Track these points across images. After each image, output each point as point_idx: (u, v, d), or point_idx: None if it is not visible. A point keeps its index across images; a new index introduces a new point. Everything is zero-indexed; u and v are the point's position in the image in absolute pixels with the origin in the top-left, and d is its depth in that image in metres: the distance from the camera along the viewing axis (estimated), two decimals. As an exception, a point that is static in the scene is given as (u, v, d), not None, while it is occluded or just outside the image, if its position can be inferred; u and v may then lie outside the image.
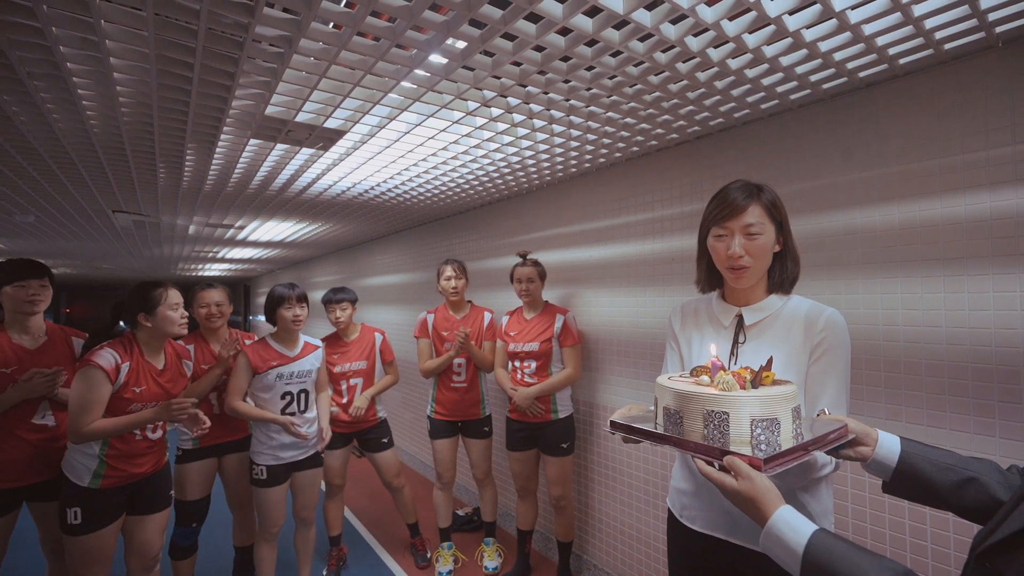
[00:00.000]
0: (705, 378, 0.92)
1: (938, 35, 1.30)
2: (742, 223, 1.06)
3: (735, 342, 1.13)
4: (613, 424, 0.98)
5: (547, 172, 2.65)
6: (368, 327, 2.87)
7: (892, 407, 1.55)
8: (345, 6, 1.17)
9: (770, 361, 0.92)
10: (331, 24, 1.26)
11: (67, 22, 1.18)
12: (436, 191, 3.07)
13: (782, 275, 1.13)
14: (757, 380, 0.87)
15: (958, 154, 1.43)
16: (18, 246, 5.40)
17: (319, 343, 2.53)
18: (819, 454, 0.96)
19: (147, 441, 1.90)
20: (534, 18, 1.24)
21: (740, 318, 1.14)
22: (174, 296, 1.92)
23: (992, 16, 1.22)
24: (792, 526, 0.71)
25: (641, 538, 2.41)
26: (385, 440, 2.82)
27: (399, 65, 1.44)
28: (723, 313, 1.17)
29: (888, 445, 0.88)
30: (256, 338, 2.61)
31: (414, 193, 3.12)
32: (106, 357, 1.76)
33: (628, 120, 1.89)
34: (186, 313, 1.95)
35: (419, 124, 1.91)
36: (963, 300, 1.41)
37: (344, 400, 2.72)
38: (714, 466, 0.80)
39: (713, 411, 0.82)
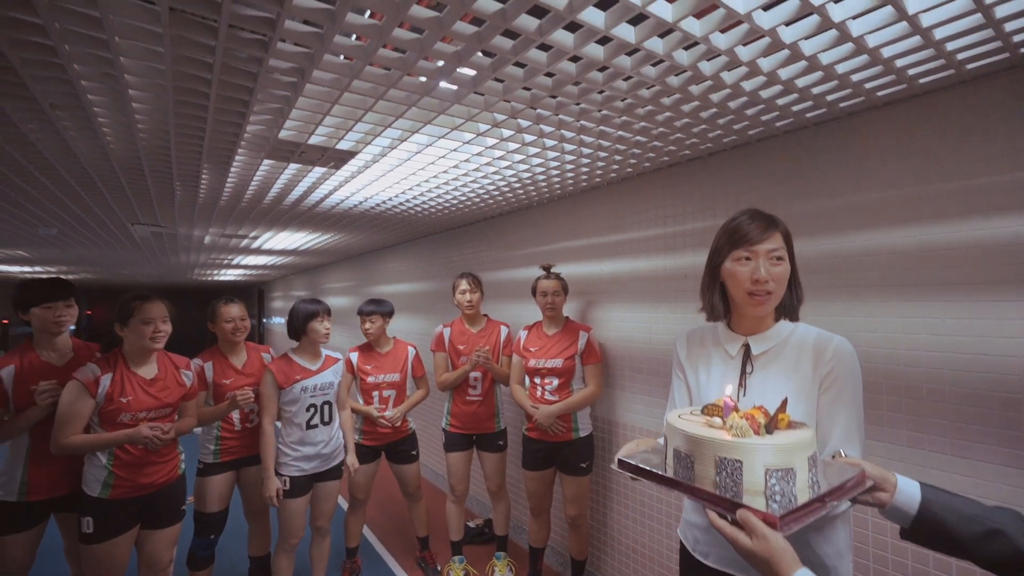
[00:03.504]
0: (717, 420, 0.90)
1: (960, 56, 1.27)
2: (767, 247, 1.05)
3: (743, 372, 1.11)
4: (621, 463, 0.97)
5: (558, 186, 2.64)
6: (401, 341, 2.90)
7: (914, 434, 1.51)
8: (356, 39, 1.18)
9: (784, 402, 0.90)
10: (342, 56, 1.27)
11: (88, 59, 1.21)
12: (447, 204, 3.08)
13: (791, 303, 1.12)
14: (772, 424, 0.85)
15: (982, 176, 1.39)
16: (42, 255, 5.54)
17: (339, 355, 2.56)
18: None
19: (148, 450, 1.92)
20: (545, 46, 1.24)
21: (747, 348, 1.12)
22: (149, 311, 1.89)
23: (1017, 38, 1.18)
24: None
25: (655, 558, 2.38)
26: (413, 452, 2.86)
27: (409, 92, 1.45)
28: (729, 342, 1.15)
29: (908, 491, 0.85)
30: (272, 350, 2.65)
31: (425, 206, 3.13)
32: (84, 371, 1.82)
33: (639, 138, 1.88)
34: (161, 329, 1.92)
35: (429, 144, 1.92)
36: (988, 326, 1.37)
37: (384, 411, 2.74)
38: (727, 518, 0.78)
39: (726, 458, 0.81)
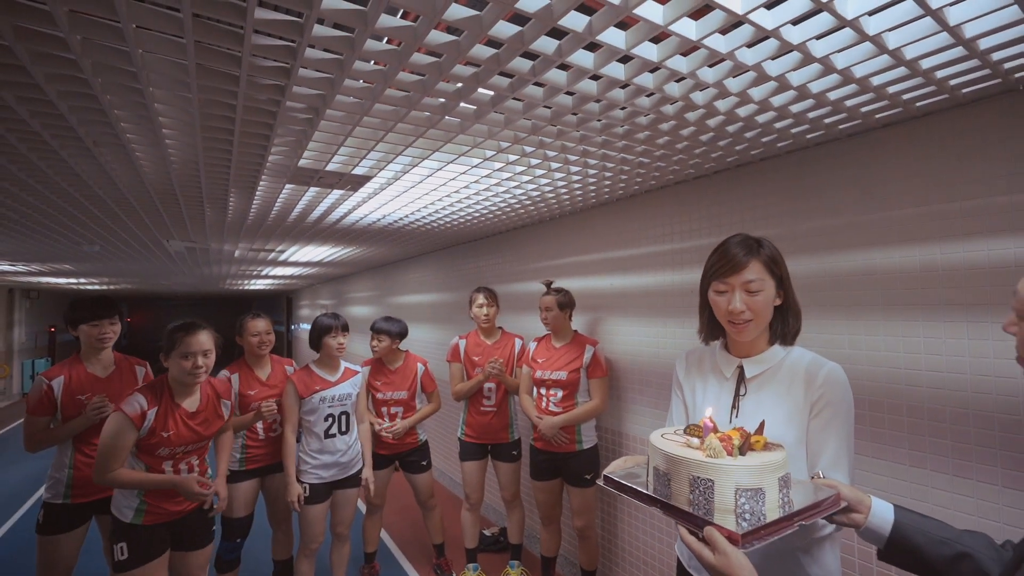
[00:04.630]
0: (695, 440, 0.95)
1: (952, 82, 1.29)
2: (742, 279, 1.08)
3: (736, 394, 1.15)
4: (607, 479, 1.02)
5: (567, 202, 2.70)
6: (412, 356, 2.96)
7: (916, 454, 1.51)
8: (364, 83, 1.28)
9: (762, 425, 0.94)
10: (351, 97, 1.36)
11: (127, 104, 1.34)
12: (459, 220, 3.18)
13: (784, 329, 1.14)
14: (746, 446, 0.90)
15: (981, 197, 1.39)
16: (86, 268, 5.89)
17: (358, 368, 2.66)
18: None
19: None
20: (540, 83, 1.31)
21: (741, 370, 1.15)
22: (188, 345, 1.83)
23: (1007, 65, 1.20)
24: None
25: (665, 570, 2.40)
26: (424, 463, 2.93)
27: (416, 124, 1.54)
28: (725, 364, 1.18)
29: (881, 514, 0.88)
30: (295, 363, 2.78)
31: (439, 222, 3.24)
32: (132, 404, 1.77)
33: (642, 159, 1.93)
34: (201, 364, 1.85)
35: (440, 169, 2.01)
36: (988, 347, 1.37)
37: (385, 424, 2.83)
38: (698, 535, 0.83)
39: (699, 477, 0.85)
